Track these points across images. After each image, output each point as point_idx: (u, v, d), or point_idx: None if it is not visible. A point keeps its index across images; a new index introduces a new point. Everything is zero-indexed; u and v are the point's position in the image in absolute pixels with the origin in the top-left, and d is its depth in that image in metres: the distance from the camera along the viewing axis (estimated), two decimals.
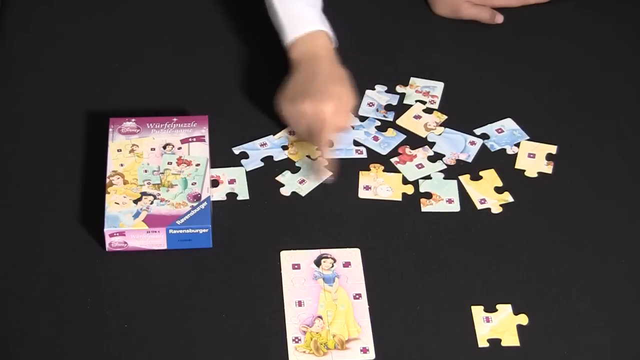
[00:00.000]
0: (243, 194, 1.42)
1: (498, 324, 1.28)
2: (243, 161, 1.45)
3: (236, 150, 1.46)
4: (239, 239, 1.37)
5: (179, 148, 1.42)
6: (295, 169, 1.44)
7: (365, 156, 1.47)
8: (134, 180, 1.37)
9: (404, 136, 1.50)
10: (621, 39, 1.67)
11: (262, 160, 1.45)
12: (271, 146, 1.47)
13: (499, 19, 1.66)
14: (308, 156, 1.46)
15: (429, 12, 1.69)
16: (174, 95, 1.55)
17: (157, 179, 1.38)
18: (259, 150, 1.47)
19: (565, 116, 1.54)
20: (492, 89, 1.58)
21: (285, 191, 1.42)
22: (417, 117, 1.53)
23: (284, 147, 1.47)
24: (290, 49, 1.48)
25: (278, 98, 1.46)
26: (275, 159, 1.45)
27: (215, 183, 1.42)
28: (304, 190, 1.42)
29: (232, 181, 1.43)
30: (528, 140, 1.50)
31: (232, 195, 1.41)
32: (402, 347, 1.26)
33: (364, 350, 1.25)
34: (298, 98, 1.42)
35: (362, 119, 1.52)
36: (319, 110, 1.40)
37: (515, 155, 1.48)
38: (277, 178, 1.43)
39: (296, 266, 1.33)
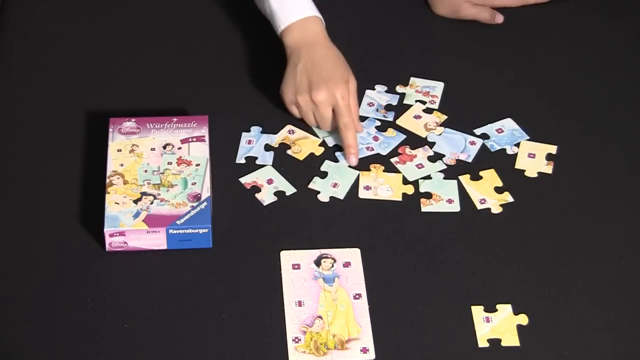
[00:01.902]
0: (289, 189, 1.42)
1: (498, 324, 1.28)
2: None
3: (241, 159, 1.46)
4: (239, 239, 1.37)
5: (179, 148, 1.42)
6: (322, 174, 1.44)
7: (376, 152, 1.48)
8: (134, 180, 1.37)
9: (404, 136, 1.50)
10: (621, 39, 1.67)
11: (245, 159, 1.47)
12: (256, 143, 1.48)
13: (499, 19, 1.66)
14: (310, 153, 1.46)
15: (429, 12, 1.69)
16: (174, 95, 1.55)
17: (157, 179, 1.38)
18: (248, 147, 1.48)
19: (565, 116, 1.54)
20: (492, 89, 1.58)
21: (323, 197, 1.42)
22: (417, 117, 1.53)
23: (267, 148, 1.47)
24: (285, 36, 1.50)
25: (283, 90, 1.48)
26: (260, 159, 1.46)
27: (257, 189, 1.42)
28: (340, 193, 1.42)
29: (270, 181, 1.43)
30: (528, 140, 1.50)
31: (280, 194, 1.42)
32: (402, 347, 1.26)
33: (364, 350, 1.25)
34: (307, 88, 1.45)
35: (362, 119, 1.52)
36: (333, 97, 1.44)
37: (515, 155, 1.48)
38: (309, 186, 1.43)
39: (296, 266, 1.33)
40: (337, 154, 1.47)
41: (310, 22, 1.50)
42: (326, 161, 1.46)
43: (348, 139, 1.45)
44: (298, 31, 1.50)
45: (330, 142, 1.49)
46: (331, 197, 1.42)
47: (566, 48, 1.65)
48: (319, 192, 1.42)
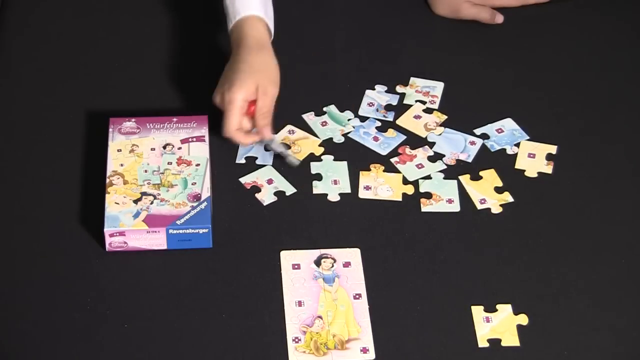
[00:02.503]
0: (289, 189, 1.42)
1: (498, 324, 1.28)
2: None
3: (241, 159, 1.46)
4: (239, 239, 1.37)
5: (179, 148, 1.42)
6: (318, 177, 1.44)
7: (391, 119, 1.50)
8: (134, 180, 1.37)
9: (404, 137, 1.50)
10: (621, 38, 1.67)
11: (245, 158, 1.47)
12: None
13: (499, 19, 1.66)
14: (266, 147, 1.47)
15: (429, 12, 1.69)
16: (174, 95, 1.55)
17: (157, 179, 1.38)
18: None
19: (565, 116, 1.54)
20: (492, 89, 1.58)
21: (333, 197, 1.41)
22: (417, 117, 1.53)
23: (266, 149, 1.47)
24: (230, 36, 1.50)
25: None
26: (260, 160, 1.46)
27: (256, 189, 1.42)
28: (345, 187, 1.43)
29: (270, 181, 1.43)
30: (528, 140, 1.50)
31: (280, 194, 1.42)
32: (402, 347, 1.26)
33: (364, 350, 1.25)
34: (217, 88, 1.45)
35: (363, 119, 1.52)
36: (227, 99, 1.42)
37: (515, 155, 1.48)
38: (314, 192, 1.42)
39: (296, 266, 1.33)
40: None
41: (250, 23, 1.48)
42: (312, 163, 1.46)
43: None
44: (236, 32, 1.48)
45: (331, 142, 1.49)
46: (341, 194, 1.42)
47: (566, 48, 1.65)
48: (326, 195, 1.42)
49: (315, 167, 1.45)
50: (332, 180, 1.43)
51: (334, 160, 1.46)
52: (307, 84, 1.56)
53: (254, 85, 1.42)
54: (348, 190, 1.42)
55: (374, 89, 1.57)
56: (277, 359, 1.24)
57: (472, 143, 1.50)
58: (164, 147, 1.42)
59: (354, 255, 1.35)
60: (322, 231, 1.38)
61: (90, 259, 1.34)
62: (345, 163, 1.45)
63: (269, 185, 1.43)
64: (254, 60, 1.44)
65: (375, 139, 1.50)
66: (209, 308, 1.29)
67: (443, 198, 1.42)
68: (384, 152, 1.48)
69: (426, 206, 1.41)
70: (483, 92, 1.58)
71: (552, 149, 1.49)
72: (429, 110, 1.54)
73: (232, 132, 1.42)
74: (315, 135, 1.50)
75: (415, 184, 1.44)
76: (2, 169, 1.44)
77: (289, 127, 1.51)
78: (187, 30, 1.66)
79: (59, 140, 1.48)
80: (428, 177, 1.45)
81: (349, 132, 1.50)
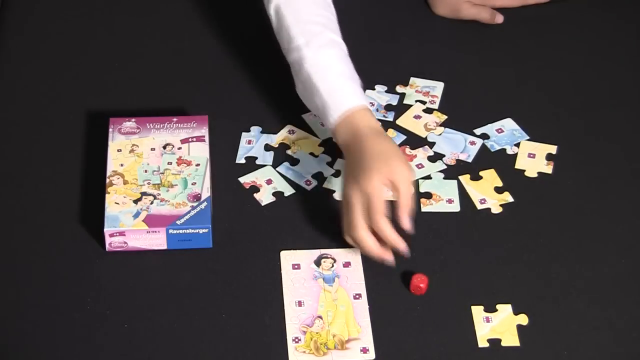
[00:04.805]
0: (288, 190, 1.42)
1: (498, 324, 1.28)
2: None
3: (241, 159, 1.46)
4: (239, 239, 1.37)
5: (179, 148, 1.42)
6: (337, 173, 1.44)
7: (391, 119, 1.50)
8: (134, 180, 1.37)
9: (404, 137, 1.50)
10: (622, 38, 1.67)
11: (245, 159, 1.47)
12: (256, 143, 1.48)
13: (499, 19, 1.66)
14: (311, 153, 1.46)
15: (429, 12, 1.69)
16: (174, 95, 1.55)
17: (157, 179, 1.38)
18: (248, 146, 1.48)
19: (565, 116, 1.54)
20: (492, 89, 1.58)
21: (339, 196, 1.41)
22: (417, 117, 1.53)
23: (267, 148, 1.47)
24: (336, 133, 1.37)
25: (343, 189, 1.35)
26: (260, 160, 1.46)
27: (255, 189, 1.42)
28: None
29: (269, 181, 1.43)
30: (528, 140, 1.50)
31: (279, 194, 1.42)
32: (402, 347, 1.26)
33: (364, 350, 1.25)
34: (348, 181, 1.32)
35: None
36: (363, 188, 1.29)
37: (515, 155, 1.48)
38: (324, 185, 1.43)
39: (296, 266, 1.33)
40: None
41: (359, 114, 1.36)
42: (339, 160, 1.46)
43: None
44: (347, 126, 1.35)
45: (331, 142, 1.49)
46: None
47: (566, 48, 1.65)
48: (334, 192, 1.42)
49: (339, 164, 1.45)
50: None
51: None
52: None
53: (389, 170, 1.29)
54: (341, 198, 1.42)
55: (373, 89, 1.57)
56: (277, 359, 1.24)
57: (472, 143, 1.50)
58: (164, 147, 1.42)
59: (354, 255, 1.35)
60: (322, 231, 1.38)
61: (90, 259, 1.34)
62: None
63: (267, 185, 1.43)
64: (380, 147, 1.32)
65: None
66: (209, 308, 1.29)
67: (443, 198, 1.42)
68: None
69: (426, 206, 1.41)
70: (483, 92, 1.58)
71: (552, 149, 1.49)
72: (429, 110, 1.54)
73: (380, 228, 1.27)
74: (315, 135, 1.50)
75: (415, 184, 1.44)
76: (2, 169, 1.44)
77: (289, 127, 1.51)
78: (187, 30, 1.66)
79: (59, 140, 1.48)
80: (428, 177, 1.45)
81: None
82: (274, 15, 1.46)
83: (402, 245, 1.30)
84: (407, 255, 1.30)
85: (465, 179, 1.45)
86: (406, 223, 1.29)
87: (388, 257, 1.30)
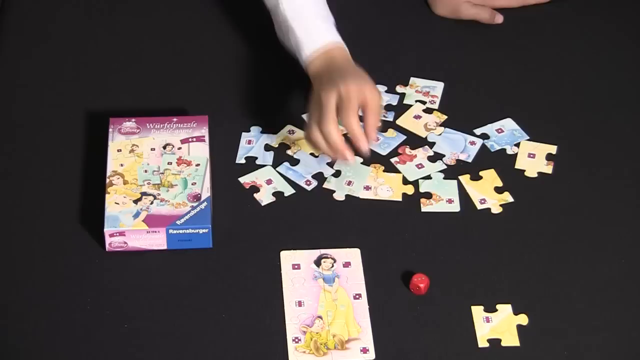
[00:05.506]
0: (288, 190, 1.42)
1: (498, 324, 1.28)
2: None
3: (241, 159, 1.46)
4: (239, 239, 1.37)
5: (179, 148, 1.42)
6: (337, 173, 1.44)
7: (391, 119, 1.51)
8: (134, 180, 1.37)
9: (404, 137, 1.50)
10: (621, 38, 1.67)
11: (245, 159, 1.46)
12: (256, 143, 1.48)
13: (499, 19, 1.66)
14: (311, 154, 1.46)
15: (429, 12, 1.69)
16: (174, 95, 1.55)
17: (157, 179, 1.38)
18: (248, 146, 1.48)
19: (565, 116, 1.54)
20: (492, 89, 1.58)
21: (339, 196, 1.41)
22: (417, 117, 1.53)
23: (267, 148, 1.47)
24: (309, 65, 1.44)
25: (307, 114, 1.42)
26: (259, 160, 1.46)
27: (255, 189, 1.42)
28: (355, 191, 1.42)
29: (269, 181, 1.43)
30: (528, 140, 1.50)
31: (279, 194, 1.42)
32: (402, 347, 1.26)
33: (364, 350, 1.25)
34: (323, 84, 1.39)
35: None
36: (340, 89, 1.36)
37: (515, 155, 1.48)
38: (324, 186, 1.43)
39: (296, 266, 1.33)
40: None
41: (335, 50, 1.44)
42: (339, 160, 1.45)
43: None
44: (321, 58, 1.43)
45: None
46: (347, 196, 1.41)
47: (566, 48, 1.65)
48: (334, 192, 1.42)
49: (339, 164, 1.45)
50: (347, 181, 1.43)
51: (362, 163, 1.45)
52: (307, 84, 1.56)
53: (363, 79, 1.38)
54: (357, 195, 1.42)
55: None
56: (277, 359, 1.24)
57: (472, 143, 1.50)
58: (164, 147, 1.42)
59: (354, 255, 1.35)
60: (322, 231, 1.38)
61: (90, 259, 1.34)
62: (369, 169, 1.44)
63: (267, 185, 1.43)
64: (356, 70, 1.41)
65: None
66: (209, 308, 1.29)
67: (443, 198, 1.42)
68: (384, 152, 1.48)
69: (426, 206, 1.41)
70: (483, 92, 1.58)
71: (552, 149, 1.49)
72: (429, 110, 1.54)
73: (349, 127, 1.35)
74: None
75: (415, 184, 1.44)
76: (2, 169, 1.44)
77: (289, 127, 1.51)
78: (187, 30, 1.66)
79: (59, 140, 1.48)
80: (428, 177, 1.45)
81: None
82: None
83: (364, 143, 1.36)
84: (367, 154, 1.39)
85: (465, 179, 1.45)
86: (372, 133, 1.37)
87: (349, 154, 1.37)
